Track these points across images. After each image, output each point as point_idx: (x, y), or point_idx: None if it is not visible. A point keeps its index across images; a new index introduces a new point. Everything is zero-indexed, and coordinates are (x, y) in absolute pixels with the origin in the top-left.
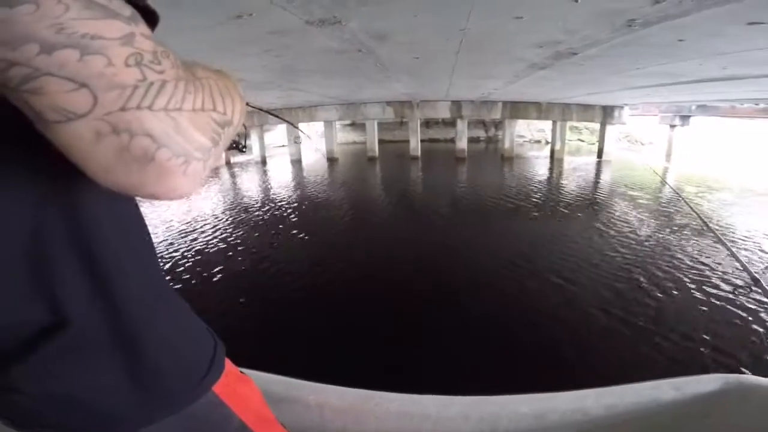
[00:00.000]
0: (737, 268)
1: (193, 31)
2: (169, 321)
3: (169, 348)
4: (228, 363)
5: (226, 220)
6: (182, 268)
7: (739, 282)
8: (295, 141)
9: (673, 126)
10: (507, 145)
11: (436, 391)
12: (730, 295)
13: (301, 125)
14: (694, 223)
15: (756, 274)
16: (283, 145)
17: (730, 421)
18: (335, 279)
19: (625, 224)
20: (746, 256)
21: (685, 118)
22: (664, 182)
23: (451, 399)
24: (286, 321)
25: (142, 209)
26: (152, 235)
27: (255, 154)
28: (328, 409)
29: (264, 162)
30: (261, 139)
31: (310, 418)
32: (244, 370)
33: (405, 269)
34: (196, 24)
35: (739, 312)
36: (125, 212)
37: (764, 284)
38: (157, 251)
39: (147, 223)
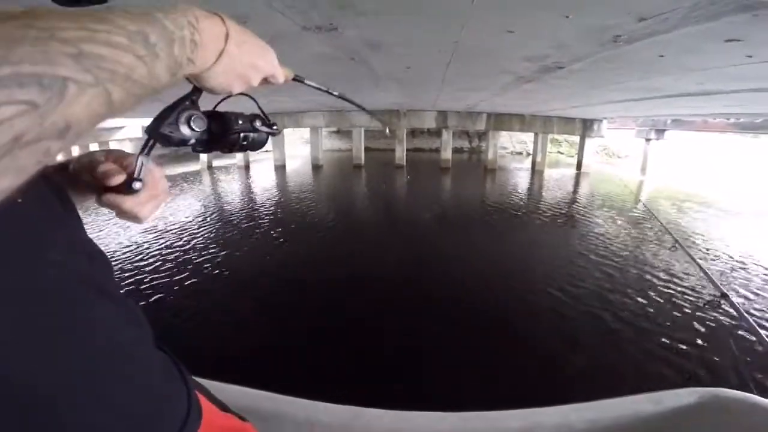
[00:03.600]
0: (705, 283)
1: None
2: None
3: None
4: (213, 414)
5: (207, 226)
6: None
7: (707, 297)
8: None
9: (648, 140)
10: (490, 156)
11: (427, 407)
12: (698, 310)
13: (286, 131)
14: (665, 237)
15: (723, 289)
16: (268, 150)
17: None
18: (317, 286)
19: (600, 237)
20: (715, 270)
21: (660, 132)
22: (637, 198)
23: (441, 415)
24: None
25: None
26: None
27: (238, 158)
28: (318, 426)
29: (247, 167)
30: None
31: None
32: (233, 387)
33: (387, 272)
34: None
35: (709, 324)
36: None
37: (732, 299)
38: (124, 257)
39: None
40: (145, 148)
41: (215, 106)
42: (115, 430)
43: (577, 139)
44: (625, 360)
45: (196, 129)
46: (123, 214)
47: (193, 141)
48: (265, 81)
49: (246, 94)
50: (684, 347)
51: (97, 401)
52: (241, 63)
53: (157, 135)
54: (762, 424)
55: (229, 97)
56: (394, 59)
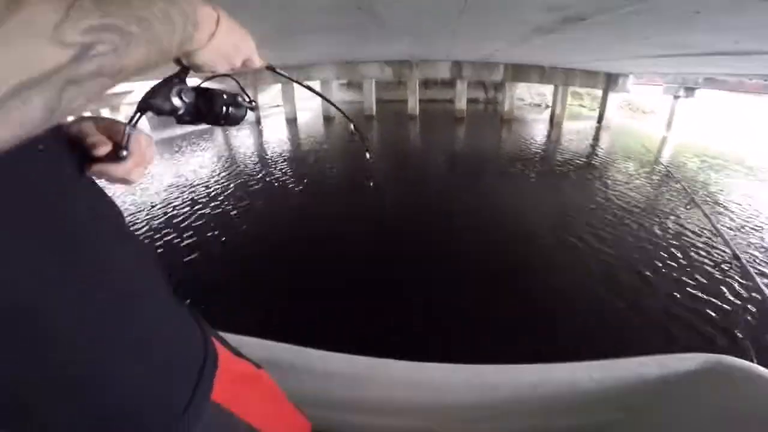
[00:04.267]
0: (719, 243)
1: None
2: (125, 355)
3: (128, 388)
4: (229, 361)
5: (222, 179)
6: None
7: (719, 257)
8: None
9: (677, 97)
10: (507, 107)
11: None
12: (711, 269)
13: (296, 85)
14: (682, 194)
15: (736, 250)
16: (278, 105)
17: (709, 399)
18: (328, 236)
19: (614, 189)
20: (732, 228)
21: (690, 90)
22: (659, 153)
23: (455, 367)
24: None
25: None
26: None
27: (249, 113)
28: (335, 376)
29: (258, 122)
30: (255, 99)
31: (317, 386)
32: (250, 339)
33: (399, 221)
34: None
35: (719, 286)
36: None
37: (744, 260)
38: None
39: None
40: (132, 119)
41: (200, 83)
42: (133, 371)
43: (599, 93)
44: (624, 310)
45: (186, 100)
46: (112, 180)
47: (182, 111)
48: (244, 65)
49: (228, 75)
50: (687, 304)
51: (114, 341)
52: (226, 45)
53: (150, 105)
54: (763, 394)
55: (213, 77)
56: (402, 5)
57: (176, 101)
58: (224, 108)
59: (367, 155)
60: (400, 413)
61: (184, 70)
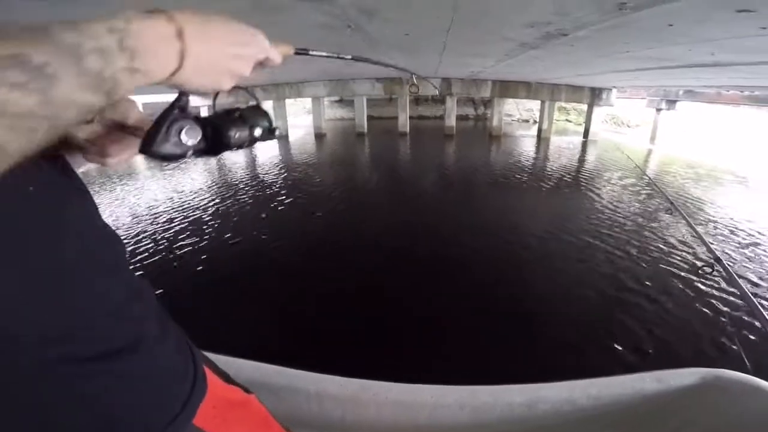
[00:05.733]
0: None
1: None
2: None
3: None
4: (217, 387)
5: (214, 197)
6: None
7: (700, 262)
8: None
9: (659, 110)
10: (495, 123)
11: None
12: (692, 274)
13: (288, 101)
14: (665, 203)
15: (717, 254)
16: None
17: (709, 414)
18: (320, 251)
19: (601, 200)
20: (714, 235)
21: (671, 103)
22: (644, 165)
23: (447, 389)
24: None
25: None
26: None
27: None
28: (327, 398)
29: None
30: None
31: (309, 408)
32: (243, 362)
33: (391, 235)
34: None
35: (702, 289)
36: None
37: (725, 264)
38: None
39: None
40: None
41: (213, 100)
42: (122, 401)
43: (585, 107)
44: (605, 315)
45: (191, 140)
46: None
47: (191, 153)
48: (260, 65)
49: (242, 88)
50: (669, 308)
51: (97, 374)
52: (217, 57)
53: (152, 155)
54: (762, 407)
55: (219, 93)
56: (391, 25)
57: (178, 145)
58: (240, 131)
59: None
60: None
61: (182, 96)
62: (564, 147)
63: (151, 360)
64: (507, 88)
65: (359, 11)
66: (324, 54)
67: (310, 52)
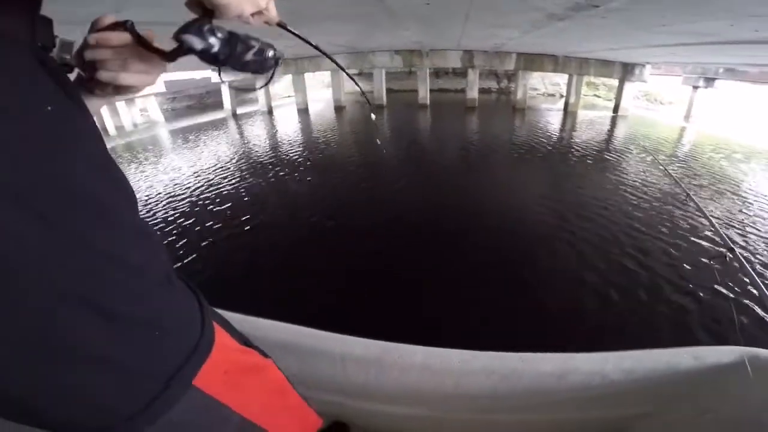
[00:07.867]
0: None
1: None
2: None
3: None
4: (231, 350)
5: (238, 167)
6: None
7: (714, 250)
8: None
9: (696, 87)
10: (519, 96)
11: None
12: (705, 260)
13: (307, 75)
14: (696, 181)
15: (731, 243)
16: (290, 96)
17: (744, 392)
18: (341, 222)
19: (623, 179)
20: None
21: (709, 81)
22: (676, 143)
23: (474, 354)
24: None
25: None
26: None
27: (261, 104)
28: (352, 360)
29: (270, 112)
30: (267, 89)
31: (334, 369)
32: (266, 321)
33: (410, 208)
34: None
35: (712, 275)
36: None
37: (738, 253)
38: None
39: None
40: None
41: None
42: (118, 353)
43: (615, 83)
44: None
45: (216, 41)
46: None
47: (216, 49)
48: (260, 14)
49: (280, 24)
50: (680, 295)
51: (98, 312)
52: None
53: (182, 41)
54: None
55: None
56: None
57: (211, 39)
58: (258, 52)
59: (372, 115)
60: (416, 400)
61: (208, 14)
62: (591, 122)
63: (152, 307)
64: (532, 61)
65: None
66: (296, 33)
67: (288, 27)
